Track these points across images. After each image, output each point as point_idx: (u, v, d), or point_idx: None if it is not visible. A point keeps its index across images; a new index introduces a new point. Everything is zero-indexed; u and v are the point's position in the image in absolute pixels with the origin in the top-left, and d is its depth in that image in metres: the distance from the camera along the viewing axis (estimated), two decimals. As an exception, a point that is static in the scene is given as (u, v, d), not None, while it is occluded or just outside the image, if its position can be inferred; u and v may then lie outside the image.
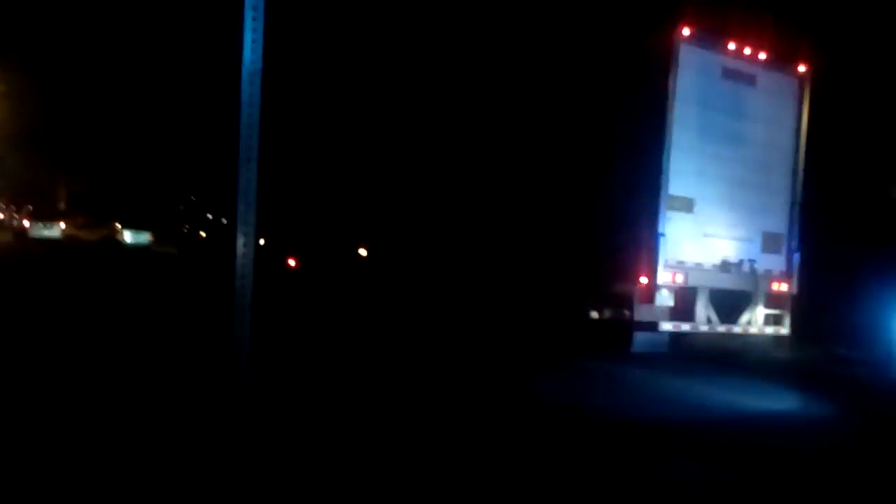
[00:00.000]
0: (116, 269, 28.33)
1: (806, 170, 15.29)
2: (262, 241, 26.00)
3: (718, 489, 6.60)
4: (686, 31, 13.77)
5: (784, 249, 15.19)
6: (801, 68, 15.14)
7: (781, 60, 14.96)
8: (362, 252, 23.88)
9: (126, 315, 14.54)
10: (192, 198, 58.32)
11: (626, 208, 14.35)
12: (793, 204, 15.24)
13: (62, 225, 50.22)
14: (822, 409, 10.70)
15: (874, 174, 21.37)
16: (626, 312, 14.12)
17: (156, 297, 18.58)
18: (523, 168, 16.47)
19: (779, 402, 10.87)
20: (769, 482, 6.85)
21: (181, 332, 12.68)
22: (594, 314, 14.83)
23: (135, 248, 44.71)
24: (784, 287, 15.05)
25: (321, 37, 26.70)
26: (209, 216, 51.66)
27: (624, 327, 14.07)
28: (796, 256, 15.19)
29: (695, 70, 14.00)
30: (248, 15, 5.04)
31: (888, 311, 14.07)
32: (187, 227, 55.33)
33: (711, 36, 14.21)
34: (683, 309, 14.24)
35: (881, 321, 14.11)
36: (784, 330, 15.07)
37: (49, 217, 50.36)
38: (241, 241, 5.20)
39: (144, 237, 47.48)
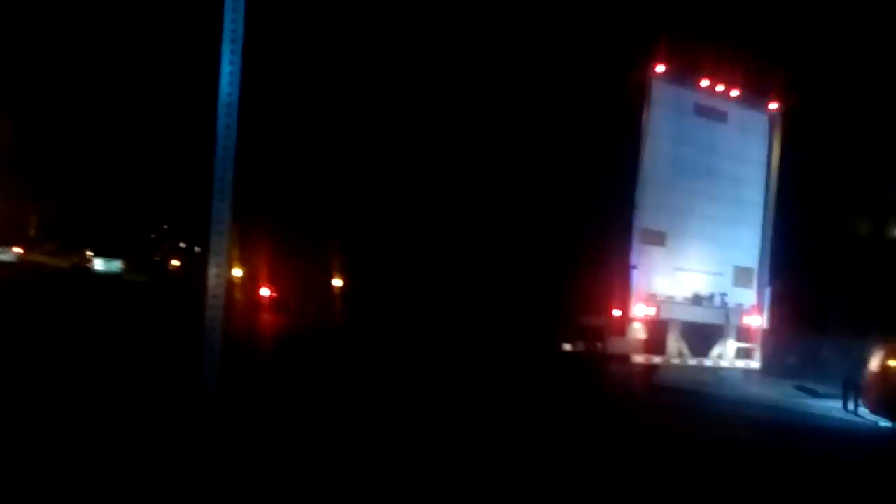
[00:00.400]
0: (81, 298, 27.24)
1: (777, 205, 15.44)
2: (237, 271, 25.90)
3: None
4: (659, 68, 13.92)
5: (755, 284, 15.29)
6: (773, 105, 15.32)
7: (753, 97, 15.16)
8: (336, 283, 23.82)
9: (82, 350, 12.91)
10: (165, 226, 58.05)
11: (600, 241, 14.42)
12: (764, 238, 15.39)
13: (16, 250, 50.02)
14: (785, 443, 10.74)
15: (844, 210, 21.66)
16: (599, 345, 14.14)
17: (121, 331, 17.38)
18: (497, 201, 16.50)
19: (743, 434, 10.89)
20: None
21: (146, 368, 11.94)
22: (567, 346, 14.83)
23: (105, 276, 44.02)
24: (755, 321, 15.12)
25: (298, 66, 26.77)
26: (182, 245, 51.31)
27: (596, 360, 14.09)
28: (767, 291, 15.29)
29: (668, 106, 14.16)
30: (227, 47, 5.02)
31: (852, 346, 14.24)
32: (160, 255, 54.95)
33: (684, 73, 14.38)
34: (655, 342, 14.28)
35: (845, 356, 14.28)
36: (755, 364, 15.12)
37: (5, 242, 50.05)
38: (213, 271, 5.12)
39: (116, 265, 46.83)
